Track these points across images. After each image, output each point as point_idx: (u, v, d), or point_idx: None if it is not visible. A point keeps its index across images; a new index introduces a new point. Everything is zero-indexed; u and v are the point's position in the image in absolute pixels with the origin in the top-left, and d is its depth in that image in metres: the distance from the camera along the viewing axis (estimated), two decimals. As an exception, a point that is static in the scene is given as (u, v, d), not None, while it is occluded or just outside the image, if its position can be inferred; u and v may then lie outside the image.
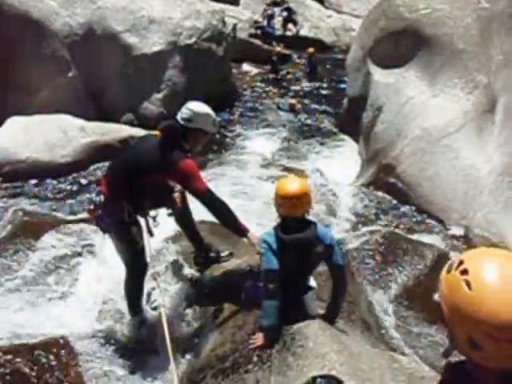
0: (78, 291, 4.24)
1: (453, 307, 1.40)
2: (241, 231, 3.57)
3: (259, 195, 6.67)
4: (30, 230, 4.72)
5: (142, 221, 3.78)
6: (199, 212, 3.97)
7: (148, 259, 3.73)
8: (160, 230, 3.87)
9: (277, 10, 16.93)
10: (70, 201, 7.51)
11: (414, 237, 5.14)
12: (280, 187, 3.11)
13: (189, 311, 3.69)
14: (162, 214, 3.93)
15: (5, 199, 7.20)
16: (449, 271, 1.45)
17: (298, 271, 3.16)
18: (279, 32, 16.99)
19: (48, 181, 8.10)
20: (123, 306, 3.86)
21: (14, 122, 8.87)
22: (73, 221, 5.18)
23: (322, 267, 3.17)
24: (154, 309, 3.85)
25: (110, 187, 3.68)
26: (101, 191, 3.73)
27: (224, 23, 11.92)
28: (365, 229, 5.31)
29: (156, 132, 3.75)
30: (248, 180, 7.50)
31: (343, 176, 8.05)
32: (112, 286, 3.98)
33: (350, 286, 3.48)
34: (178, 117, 3.68)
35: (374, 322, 3.61)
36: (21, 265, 4.36)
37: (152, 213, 3.86)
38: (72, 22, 10.16)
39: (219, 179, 7.75)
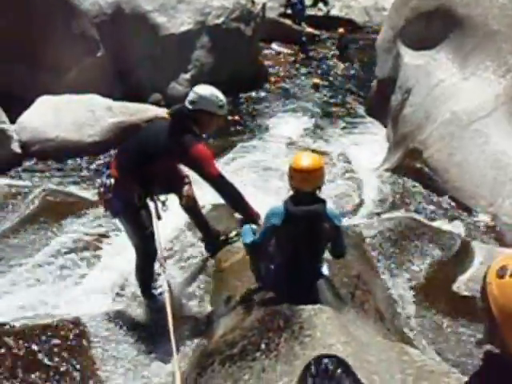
0: (95, 274, 4.28)
1: (509, 311, 1.45)
2: (252, 216, 3.58)
3: (281, 177, 6.60)
4: (53, 209, 4.79)
5: (151, 205, 3.78)
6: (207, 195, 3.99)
7: (157, 244, 3.72)
8: (169, 215, 3.86)
9: None
10: (95, 180, 7.57)
11: (436, 224, 5.03)
12: (294, 161, 3.24)
13: (200, 293, 3.69)
14: (172, 199, 3.92)
15: (33, 178, 7.33)
16: (501, 276, 1.49)
17: (306, 247, 3.21)
18: (310, 12, 16.65)
19: (76, 160, 8.21)
20: (138, 290, 3.89)
21: (44, 102, 8.97)
22: (96, 202, 5.22)
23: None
24: (160, 294, 3.86)
25: (121, 171, 3.66)
26: (110, 174, 3.71)
27: (253, 2, 11.75)
28: (385, 215, 5.22)
29: (165, 116, 3.75)
30: (271, 162, 7.45)
31: (369, 160, 7.92)
32: (129, 269, 3.99)
33: (366, 274, 3.43)
34: (186, 102, 3.69)
35: (390, 312, 3.57)
36: (39, 245, 4.44)
37: (162, 197, 3.86)
38: (101, 1, 10.17)
39: (243, 161, 7.73)
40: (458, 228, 5.27)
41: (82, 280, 4.21)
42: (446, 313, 3.75)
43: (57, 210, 4.85)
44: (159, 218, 3.78)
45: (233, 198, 3.57)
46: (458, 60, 7.62)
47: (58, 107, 8.86)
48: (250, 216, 3.58)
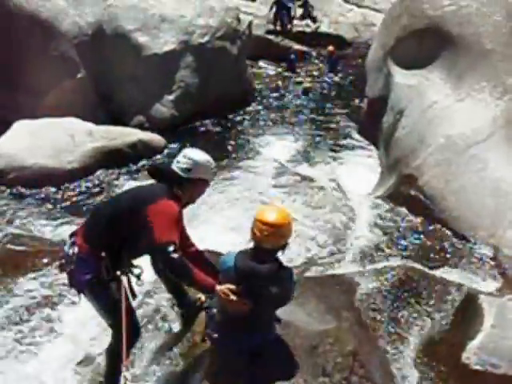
0: (55, 343, 3.81)
1: None
2: (206, 288, 3.09)
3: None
4: (11, 261, 4.33)
5: (123, 279, 3.23)
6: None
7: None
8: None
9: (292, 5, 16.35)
10: (73, 210, 7.18)
11: (437, 273, 4.65)
12: (260, 212, 3.03)
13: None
14: (147, 268, 3.43)
15: (7, 211, 6.89)
16: None
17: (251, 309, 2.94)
18: (298, 28, 16.45)
19: (54, 188, 7.80)
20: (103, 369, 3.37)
21: (21, 126, 8.60)
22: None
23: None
24: None
25: (88, 238, 3.22)
26: (75, 242, 3.24)
27: (239, 20, 11.50)
28: (380, 264, 4.84)
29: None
30: (261, 189, 7.08)
31: (361, 185, 7.57)
32: (95, 336, 3.51)
33: (363, 349, 3.05)
34: (174, 166, 3.26)
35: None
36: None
37: (136, 270, 3.34)
38: (81, 21, 9.86)
39: (230, 188, 7.36)
40: (460, 274, 4.90)
41: (41, 352, 3.73)
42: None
43: (15, 262, 4.37)
44: (134, 295, 3.30)
45: (181, 275, 3.08)
46: (452, 80, 7.34)
47: (35, 132, 8.48)
48: (204, 289, 3.16)
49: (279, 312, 3.10)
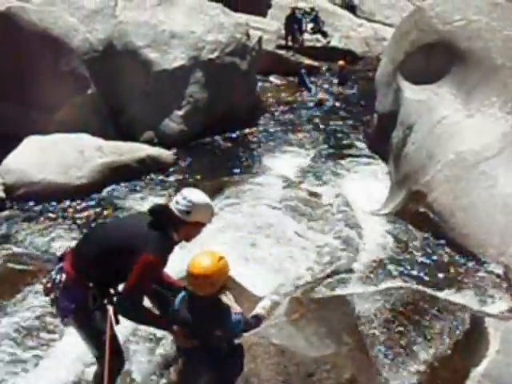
0: (51, 363, 3.74)
1: None
2: (160, 327, 3.27)
3: (276, 227, 6.17)
4: (10, 281, 4.31)
5: (109, 308, 3.18)
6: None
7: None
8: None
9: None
10: (81, 226, 7.17)
11: (443, 295, 4.52)
12: (189, 261, 3.07)
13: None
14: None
15: (12, 225, 6.90)
16: None
17: None
18: (309, 43, 16.49)
19: (61, 204, 7.79)
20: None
21: (30, 142, 8.65)
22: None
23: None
24: None
25: (77, 265, 3.14)
26: (62, 268, 3.16)
27: (248, 36, 11.51)
28: (383, 285, 4.74)
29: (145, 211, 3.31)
30: (266, 206, 7.00)
31: (370, 201, 7.49)
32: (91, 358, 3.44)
33: (362, 376, 2.95)
34: (173, 206, 3.19)
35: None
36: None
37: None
38: (92, 38, 9.94)
39: (236, 204, 7.29)
40: (468, 295, 4.76)
41: (33, 371, 3.68)
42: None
43: (14, 281, 4.35)
44: (117, 321, 3.21)
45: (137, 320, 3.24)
46: (462, 95, 7.26)
47: (44, 148, 8.52)
48: (160, 328, 3.30)
49: (280, 340, 3.08)
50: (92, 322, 3.13)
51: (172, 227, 3.16)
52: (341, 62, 14.45)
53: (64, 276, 3.12)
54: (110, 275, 3.15)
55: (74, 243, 3.38)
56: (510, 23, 7.51)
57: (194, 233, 3.31)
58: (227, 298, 3.24)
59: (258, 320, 3.51)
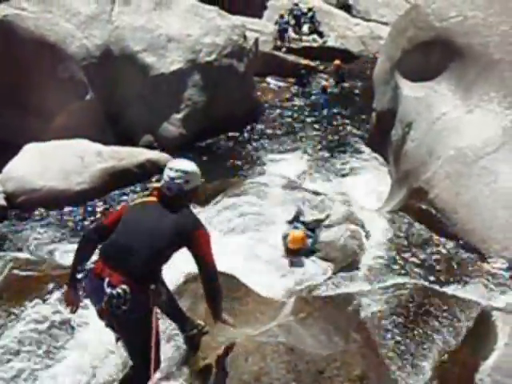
0: (58, 370, 3.71)
1: None
2: (218, 317, 3.29)
3: (279, 227, 6.16)
4: (17, 287, 4.29)
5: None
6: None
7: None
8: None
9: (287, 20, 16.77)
10: (83, 232, 7.15)
11: (449, 290, 4.52)
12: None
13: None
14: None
15: (14, 232, 6.90)
16: None
17: None
18: (305, 43, 16.54)
19: (63, 210, 7.79)
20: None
21: (30, 149, 8.64)
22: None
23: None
24: None
25: (130, 270, 2.99)
26: (112, 282, 2.94)
27: (245, 38, 11.53)
28: (389, 281, 4.73)
29: (151, 198, 3.28)
30: (268, 206, 7.00)
31: (371, 199, 7.50)
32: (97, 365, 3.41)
33: (372, 373, 2.94)
34: (171, 184, 3.17)
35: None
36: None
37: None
38: (89, 43, 9.95)
39: (238, 205, 7.27)
40: (473, 290, 4.75)
41: (40, 378, 3.64)
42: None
43: (18, 288, 4.32)
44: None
45: (217, 293, 3.21)
46: (460, 91, 7.24)
47: (44, 154, 8.52)
48: (218, 316, 3.25)
49: (289, 339, 3.05)
50: (151, 321, 3.01)
51: (185, 201, 3.26)
52: (337, 62, 14.49)
53: (126, 288, 2.95)
54: (160, 269, 3.19)
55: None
56: (506, 18, 7.49)
57: (195, 196, 3.42)
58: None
59: None
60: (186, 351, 3.65)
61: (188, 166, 3.28)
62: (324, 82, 13.83)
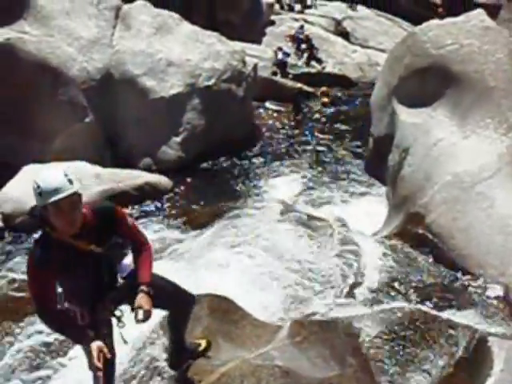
0: None
1: None
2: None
3: (275, 251, 6.16)
4: (14, 307, 4.28)
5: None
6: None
7: None
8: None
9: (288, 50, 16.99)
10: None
11: (445, 315, 4.52)
12: None
13: None
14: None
15: (11, 253, 6.89)
16: None
17: None
18: (304, 69, 16.76)
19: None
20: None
21: (28, 171, 8.64)
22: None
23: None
24: None
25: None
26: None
27: (244, 63, 11.67)
28: (385, 305, 4.73)
29: None
30: (265, 230, 7.01)
31: (368, 224, 7.49)
32: None
33: None
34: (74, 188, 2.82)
35: None
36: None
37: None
38: (89, 67, 10.06)
39: (235, 228, 7.28)
40: (469, 316, 4.74)
41: None
42: None
43: (15, 309, 4.31)
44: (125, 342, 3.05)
45: None
46: (457, 118, 7.33)
47: (43, 176, 8.52)
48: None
49: (285, 362, 3.01)
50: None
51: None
52: (323, 89, 15.07)
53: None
54: None
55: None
56: (501, 47, 7.62)
57: None
58: None
59: None
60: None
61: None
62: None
